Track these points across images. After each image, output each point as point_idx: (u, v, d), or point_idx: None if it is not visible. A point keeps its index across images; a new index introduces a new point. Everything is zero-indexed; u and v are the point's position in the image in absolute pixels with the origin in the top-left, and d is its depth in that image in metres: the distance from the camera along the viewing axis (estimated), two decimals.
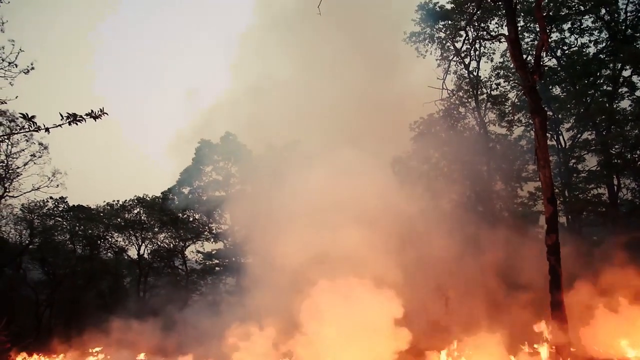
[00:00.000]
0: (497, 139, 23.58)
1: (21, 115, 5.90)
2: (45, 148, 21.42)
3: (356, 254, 13.19)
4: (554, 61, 23.45)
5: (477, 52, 23.35)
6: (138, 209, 29.17)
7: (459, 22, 22.34)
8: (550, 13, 21.62)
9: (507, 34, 12.83)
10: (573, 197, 21.98)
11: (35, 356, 16.75)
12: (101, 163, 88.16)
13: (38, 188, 21.92)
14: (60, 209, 27.03)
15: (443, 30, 23.07)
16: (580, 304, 13.01)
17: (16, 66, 11.87)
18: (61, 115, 5.91)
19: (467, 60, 23.27)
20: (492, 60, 23.74)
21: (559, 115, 23.24)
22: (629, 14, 20.98)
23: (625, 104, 21.69)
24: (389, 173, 19.27)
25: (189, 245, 30.41)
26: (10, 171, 21.37)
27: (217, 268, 30.19)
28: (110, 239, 29.55)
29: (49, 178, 21.85)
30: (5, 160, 21.12)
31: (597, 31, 22.00)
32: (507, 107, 23.05)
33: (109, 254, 30.61)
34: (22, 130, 17.88)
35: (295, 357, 12.49)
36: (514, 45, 12.45)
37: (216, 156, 29.24)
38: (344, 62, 25.10)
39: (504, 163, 23.06)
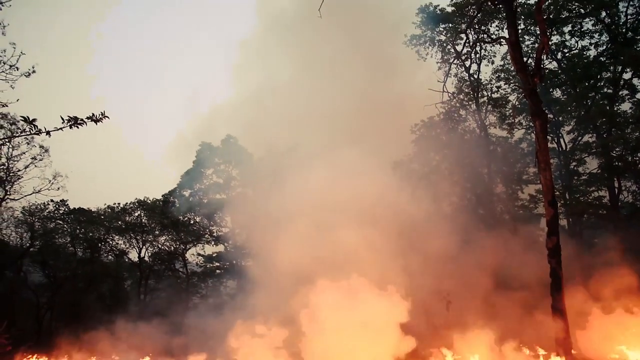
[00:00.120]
0: (498, 141, 23.53)
1: (22, 119, 5.90)
2: (46, 151, 21.47)
3: (356, 255, 13.18)
4: (555, 64, 23.57)
5: (477, 55, 23.39)
6: (139, 212, 29.21)
7: (460, 25, 22.32)
8: (551, 16, 21.66)
9: (507, 36, 12.86)
10: (574, 199, 21.92)
11: (36, 358, 16.78)
12: (102, 165, 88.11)
13: (39, 191, 21.92)
14: (61, 211, 27.09)
15: (444, 33, 23.06)
16: (577, 307, 13.01)
17: (17, 69, 11.83)
18: (62, 119, 5.90)
19: (467, 63, 23.34)
20: (492, 63, 23.81)
21: (560, 118, 23.22)
22: (629, 16, 21.11)
23: (625, 106, 21.76)
24: (390, 176, 19.24)
25: (189, 248, 30.39)
26: (11, 174, 21.39)
27: (217, 271, 30.14)
28: (111, 242, 29.56)
29: (50, 181, 21.87)
30: (7, 163, 21.14)
31: (597, 34, 22.08)
32: (507, 109, 23.00)
33: (110, 256, 30.58)
34: (24, 134, 18.04)
35: (301, 358, 12.46)
36: (515, 48, 12.48)
37: (217, 159, 29.26)
38: (344, 64, 25.21)
39: (505, 166, 23.04)
